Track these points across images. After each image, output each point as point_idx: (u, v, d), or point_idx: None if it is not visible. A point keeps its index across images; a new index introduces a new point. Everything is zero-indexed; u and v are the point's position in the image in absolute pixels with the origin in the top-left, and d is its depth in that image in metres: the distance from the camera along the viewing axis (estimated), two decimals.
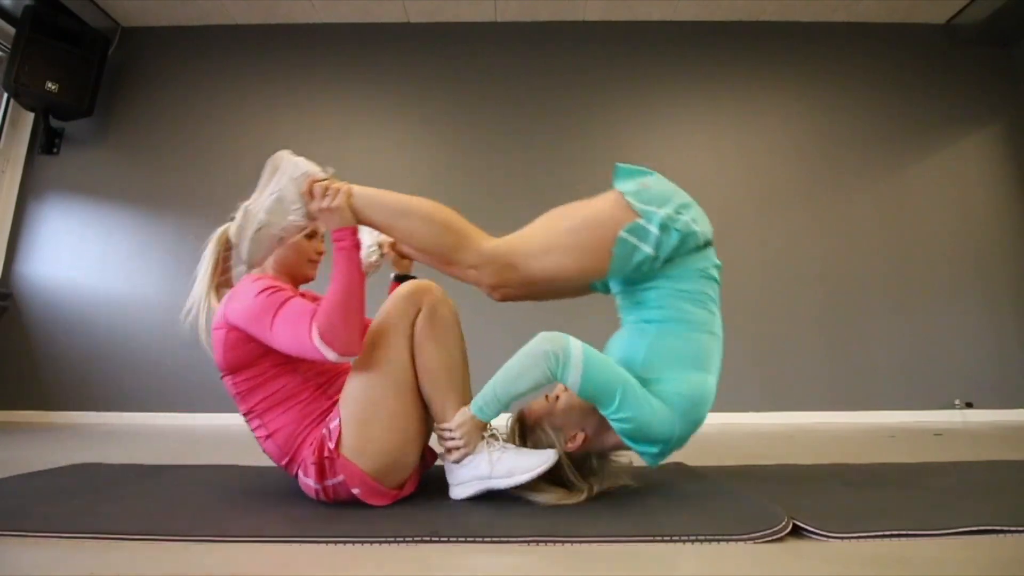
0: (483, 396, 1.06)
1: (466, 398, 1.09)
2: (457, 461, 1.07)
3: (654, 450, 1.07)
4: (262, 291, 1.04)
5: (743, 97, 3.28)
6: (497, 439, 1.08)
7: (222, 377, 1.11)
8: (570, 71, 3.31)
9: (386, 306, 1.10)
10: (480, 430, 1.07)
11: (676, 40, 3.35)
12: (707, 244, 1.14)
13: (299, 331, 1.00)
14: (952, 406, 2.87)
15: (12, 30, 2.98)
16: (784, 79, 3.32)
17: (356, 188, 1.11)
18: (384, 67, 3.32)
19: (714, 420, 2.90)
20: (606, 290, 1.26)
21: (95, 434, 2.35)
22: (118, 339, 2.96)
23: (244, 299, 1.05)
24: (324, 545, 0.85)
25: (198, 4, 3.21)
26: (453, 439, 1.06)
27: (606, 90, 3.28)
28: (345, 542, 0.85)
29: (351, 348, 1.01)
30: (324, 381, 1.12)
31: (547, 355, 1.03)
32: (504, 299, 1.18)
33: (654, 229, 1.05)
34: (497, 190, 3.14)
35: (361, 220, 1.11)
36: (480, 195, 3.13)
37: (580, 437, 1.09)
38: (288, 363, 1.09)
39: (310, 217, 1.11)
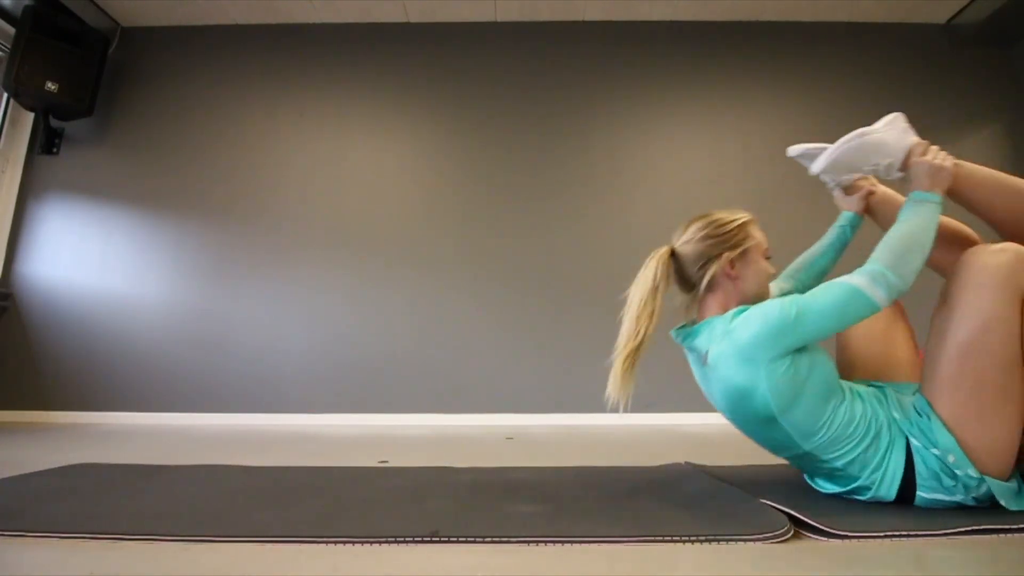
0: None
1: None
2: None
3: None
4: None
5: (743, 96, 3.28)
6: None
7: None
8: (570, 71, 3.30)
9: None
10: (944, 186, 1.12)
11: (676, 40, 3.35)
12: None
13: None
14: None
15: (12, 30, 2.97)
16: (784, 79, 3.31)
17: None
18: (384, 67, 3.31)
19: (714, 420, 2.89)
20: None
21: (95, 434, 2.35)
22: (118, 339, 2.96)
23: None
24: (324, 545, 0.85)
25: (198, 4, 3.21)
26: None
27: (606, 89, 3.28)
28: (345, 542, 0.85)
29: None
30: None
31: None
32: None
33: None
34: (497, 188, 3.14)
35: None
36: (480, 193, 3.14)
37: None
38: None
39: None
